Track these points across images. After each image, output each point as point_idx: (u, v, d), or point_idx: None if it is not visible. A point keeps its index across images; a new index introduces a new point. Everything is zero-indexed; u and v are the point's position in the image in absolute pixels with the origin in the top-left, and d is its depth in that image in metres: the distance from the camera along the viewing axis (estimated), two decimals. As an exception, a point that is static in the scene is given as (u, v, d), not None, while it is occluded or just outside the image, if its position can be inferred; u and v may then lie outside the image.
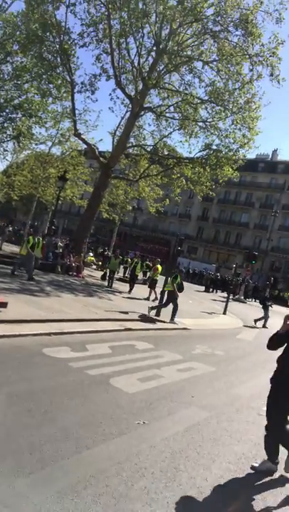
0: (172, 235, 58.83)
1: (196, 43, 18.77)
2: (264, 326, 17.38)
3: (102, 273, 20.22)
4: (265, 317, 17.87)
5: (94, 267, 27.10)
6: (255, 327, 16.96)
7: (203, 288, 35.18)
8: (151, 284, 16.82)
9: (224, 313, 19.50)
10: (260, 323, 17.71)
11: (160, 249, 55.50)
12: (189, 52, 18.93)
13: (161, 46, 18.34)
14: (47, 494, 2.95)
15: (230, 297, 23.77)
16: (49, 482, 3.12)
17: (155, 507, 3.11)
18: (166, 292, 12.95)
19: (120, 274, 24.71)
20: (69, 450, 3.64)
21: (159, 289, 15.26)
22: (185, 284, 29.59)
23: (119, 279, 22.62)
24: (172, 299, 12.68)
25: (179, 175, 23.10)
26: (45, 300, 10.58)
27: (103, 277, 19.69)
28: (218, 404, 5.95)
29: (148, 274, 21.55)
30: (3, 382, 4.86)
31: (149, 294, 16.77)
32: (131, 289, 17.62)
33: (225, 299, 29.15)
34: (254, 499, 3.60)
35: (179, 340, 10.45)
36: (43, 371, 5.61)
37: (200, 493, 3.46)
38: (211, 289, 34.79)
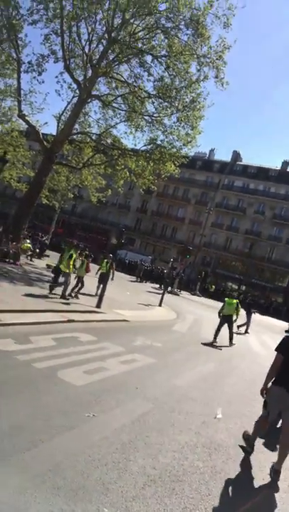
0: (111, 224, 58.93)
1: (147, 36, 18.80)
2: (246, 332, 18.27)
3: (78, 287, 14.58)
4: (248, 323, 18.68)
5: (30, 253, 26.29)
6: (239, 333, 17.27)
7: (135, 278, 35.38)
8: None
9: (160, 305, 20.08)
10: (242, 329, 18.36)
11: (98, 239, 55.29)
12: (140, 45, 18.93)
13: (112, 35, 18.14)
14: (7, 490, 2.99)
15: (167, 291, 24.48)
16: (8, 478, 3.16)
17: (111, 496, 3.28)
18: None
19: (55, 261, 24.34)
20: (24, 445, 3.68)
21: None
22: (120, 274, 29.78)
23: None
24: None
25: (123, 166, 23.13)
26: (-17, 288, 10.17)
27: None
28: (160, 395, 6.25)
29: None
30: None
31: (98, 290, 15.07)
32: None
33: (159, 292, 30.09)
34: (198, 483, 3.91)
35: (120, 332, 10.66)
36: (-13, 365, 5.49)
37: (150, 480, 3.70)
38: (144, 280, 35.28)
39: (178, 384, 7.17)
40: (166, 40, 18.53)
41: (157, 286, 33.13)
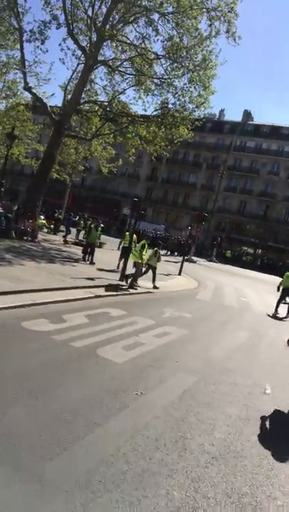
0: (122, 195, 58.24)
1: (153, -8, 17.70)
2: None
3: (82, 248, 16.02)
4: None
5: (45, 230, 26.22)
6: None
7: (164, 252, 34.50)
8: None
9: (179, 274, 19.96)
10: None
11: (109, 210, 54.85)
12: (146, 2, 17.85)
13: (116, -7, 17.13)
14: (74, 479, 2.93)
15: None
16: (73, 466, 3.11)
17: (177, 478, 3.22)
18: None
19: (72, 237, 24.24)
20: (81, 430, 3.62)
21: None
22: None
23: (75, 243, 22.21)
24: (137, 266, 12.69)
25: (133, 134, 22.45)
26: (8, 269, 10.11)
27: (84, 252, 15.82)
28: (199, 368, 6.18)
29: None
30: (-7, 363, 4.67)
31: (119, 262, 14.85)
32: (85, 256, 15.68)
33: (175, 260, 29.93)
34: (259, 458, 3.84)
35: (147, 305, 10.60)
36: (29, 347, 5.45)
37: (211, 458, 3.63)
38: (174, 253, 34.48)
39: (214, 355, 7.10)
40: (173, -5, 17.42)
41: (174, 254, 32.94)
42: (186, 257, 31.23)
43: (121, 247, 14.32)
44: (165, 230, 48.42)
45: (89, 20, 18.45)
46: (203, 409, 4.65)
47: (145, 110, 24.21)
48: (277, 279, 17.14)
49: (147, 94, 20.39)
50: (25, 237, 17.69)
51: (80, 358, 5.43)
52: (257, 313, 13.30)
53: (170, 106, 20.49)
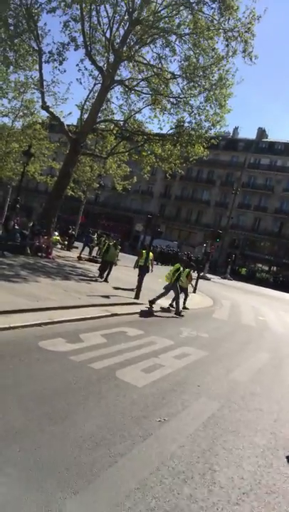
0: (134, 212, 58.57)
1: (170, 14, 18.02)
2: None
3: (99, 266, 15.55)
4: None
5: (59, 246, 26.33)
6: None
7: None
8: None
9: (194, 291, 19.71)
10: None
11: (122, 227, 55.10)
12: (163, 24, 18.17)
13: (134, 15, 17.48)
14: (100, 515, 2.75)
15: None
16: (99, 500, 2.92)
17: (208, 516, 3.01)
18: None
19: (85, 253, 24.23)
20: (105, 460, 3.44)
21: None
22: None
23: (89, 260, 22.21)
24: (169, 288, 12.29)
25: (149, 152, 22.61)
26: (23, 286, 10.06)
27: (102, 270, 15.37)
28: (223, 392, 5.95)
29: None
30: (11, 384, 4.54)
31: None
32: (102, 274, 15.41)
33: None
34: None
35: (164, 324, 10.39)
36: (47, 368, 5.31)
37: (242, 494, 3.41)
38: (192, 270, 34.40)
39: (237, 378, 6.85)
40: (190, 17, 17.71)
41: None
42: (200, 274, 31.00)
43: (138, 265, 14.11)
44: (178, 246, 48.28)
45: (107, 42, 18.83)
46: (229, 438, 4.42)
47: (161, 129, 24.43)
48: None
49: (163, 113, 20.60)
50: (39, 254, 17.73)
51: (100, 381, 5.26)
52: (276, 332, 12.96)
53: (186, 124, 20.60)
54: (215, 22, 17.33)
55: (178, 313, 12.11)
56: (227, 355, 8.50)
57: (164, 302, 12.83)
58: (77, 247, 27.70)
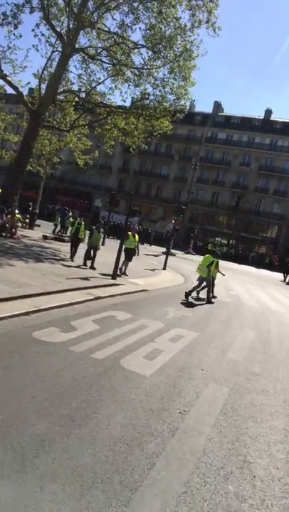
0: (93, 187, 57.22)
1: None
2: None
3: (85, 252, 13.80)
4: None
5: (20, 225, 25.17)
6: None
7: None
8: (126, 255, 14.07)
9: (164, 268, 19.69)
10: None
11: (81, 203, 53.77)
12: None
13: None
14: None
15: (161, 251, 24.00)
16: (152, 510, 2.72)
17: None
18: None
19: (49, 232, 23.39)
20: (142, 462, 3.24)
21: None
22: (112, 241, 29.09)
23: (55, 238, 21.44)
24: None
25: (112, 125, 21.79)
26: (-1, 271, 9.44)
27: (87, 257, 13.86)
28: (227, 375, 5.91)
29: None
30: (20, 385, 4.18)
31: (123, 266, 13.95)
32: (73, 255, 14.57)
33: (155, 253, 29.74)
34: None
35: (148, 305, 10.19)
36: (50, 363, 4.96)
37: (283, 485, 3.36)
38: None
39: (233, 358, 6.86)
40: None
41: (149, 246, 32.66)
42: (167, 251, 31.09)
43: (125, 247, 13.46)
44: (139, 222, 47.96)
45: (66, 5, 17.56)
46: (250, 425, 4.38)
47: (124, 101, 23.57)
48: (256, 271, 17.22)
49: (127, 84, 19.78)
50: (3, 234, 16.81)
51: (107, 372, 5.00)
52: (251, 308, 13.17)
53: (150, 97, 19.97)
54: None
55: (209, 301, 12.36)
56: (216, 334, 8.50)
57: (138, 280, 12.65)
58: (39, 225, 26.65)
